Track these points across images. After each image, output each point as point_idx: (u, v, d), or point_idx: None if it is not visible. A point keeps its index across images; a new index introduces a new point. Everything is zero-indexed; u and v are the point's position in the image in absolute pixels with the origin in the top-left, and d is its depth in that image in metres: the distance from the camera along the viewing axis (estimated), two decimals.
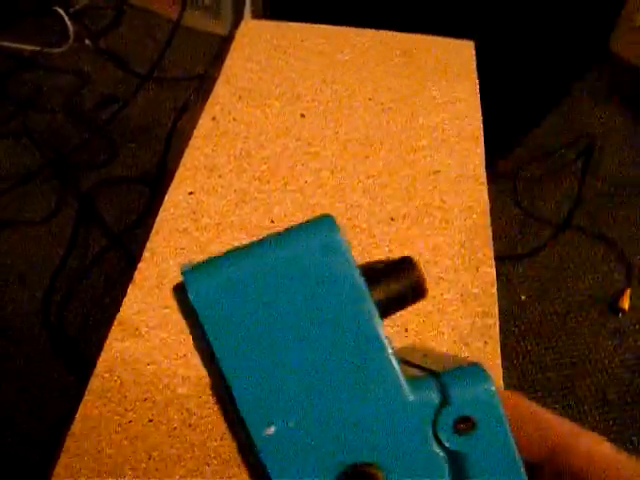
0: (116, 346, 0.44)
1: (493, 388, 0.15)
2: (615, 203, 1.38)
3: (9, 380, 0.99)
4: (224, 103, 0.63)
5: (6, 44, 1.53)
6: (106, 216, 1.22)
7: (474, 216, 0.55)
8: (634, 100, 1.61)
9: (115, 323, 0.45)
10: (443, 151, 0.60)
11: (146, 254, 0.50)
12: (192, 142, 0.59)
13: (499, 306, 0.48)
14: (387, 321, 0.16)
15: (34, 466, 0.89)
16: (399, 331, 0.45)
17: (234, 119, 0.62)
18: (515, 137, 1.38)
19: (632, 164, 1.47)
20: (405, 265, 0.16)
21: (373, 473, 0.15)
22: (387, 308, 0.15)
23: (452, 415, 0.15)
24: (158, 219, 0.52)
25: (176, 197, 0.54)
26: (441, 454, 0.15)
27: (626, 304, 1.18)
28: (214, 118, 0.62)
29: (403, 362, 0.17)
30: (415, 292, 0.16)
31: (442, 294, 0.49)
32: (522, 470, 0.16)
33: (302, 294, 0.14)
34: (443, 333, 0.45)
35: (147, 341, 0.44)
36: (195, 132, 0.60)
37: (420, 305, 0.48)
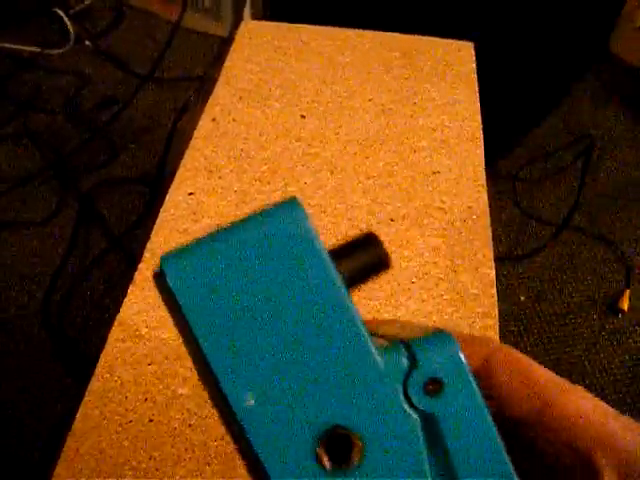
0: (116, 346, 0.44)
1: (458, 351, 0.16)
2: (615, 204, 1.38)
3: (9, 380, 0.99)
4: (224, 104, 0.63)
5: (6, 45, 1.53)
6: (106, 217, 1.22)
7: (474, 217, 0.55)
8: (634, 100, 1.61)
9: (115, 323, 0.45)
10: (443, 152, 0.60)
11: (146, 254, 0.50)
12: (192, 143, 0.59)
13: (499, 307, 0.48)
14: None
15: (34, 466, 0.89)
16: None
17: (234, 120, 0.62)
18: (515, 137, 1.38)
19: (632, 165, 1.47)
20: (367, 239, 0.18)
21: (350, 435, 0.15)
22: (352, 279, 0.17)
23: (421, 377, 0.16)
24: (158, 220, 0.52)
25: (176, 198, 0.54)
26: (414, 415, 0.16)
27: (625, 305, 1.18)
28: (214, 119, 0.62)
29: (379, 336, 0.18)
30: (379, 263, 0.17)
31: (442, 295, 0.49)
32: (495, 433, 0.16)
33: (272, 270, 0.15)
34: None
35: (147, 341, 0.45)
36: (195, 133, 0.60)
37: (420, 305, 0.49)
